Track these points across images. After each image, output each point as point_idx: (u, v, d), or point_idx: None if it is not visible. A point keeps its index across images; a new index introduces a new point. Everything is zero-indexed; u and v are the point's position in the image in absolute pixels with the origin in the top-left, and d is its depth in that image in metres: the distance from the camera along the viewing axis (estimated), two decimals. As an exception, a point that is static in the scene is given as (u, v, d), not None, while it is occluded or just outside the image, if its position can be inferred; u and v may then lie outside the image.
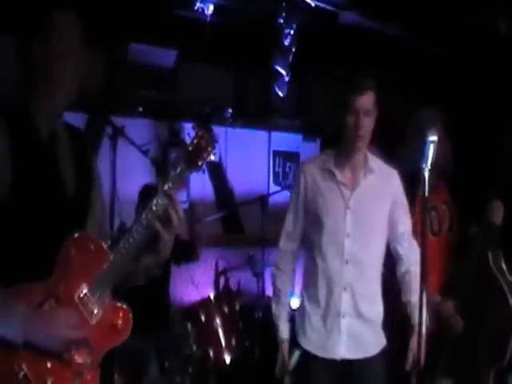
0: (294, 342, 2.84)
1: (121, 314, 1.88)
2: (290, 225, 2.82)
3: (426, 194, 2.50)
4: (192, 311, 3.83)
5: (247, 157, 5.13)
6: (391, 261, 3.43)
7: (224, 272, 4.26)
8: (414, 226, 3.36)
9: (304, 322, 2.77)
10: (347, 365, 2.70)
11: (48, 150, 1.88)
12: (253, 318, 4.06)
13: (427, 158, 2.42)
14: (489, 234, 3.16)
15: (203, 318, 3.78)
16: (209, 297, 3.87)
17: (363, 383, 2.73)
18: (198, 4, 4.22)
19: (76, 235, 1.86)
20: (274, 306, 2.84)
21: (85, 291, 1.83)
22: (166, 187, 1.83)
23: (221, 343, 3.74)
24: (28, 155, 1.82)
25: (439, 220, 3.46)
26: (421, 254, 3.33)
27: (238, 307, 3.92)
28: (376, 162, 2.81)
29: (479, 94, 4.93)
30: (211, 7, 4.28)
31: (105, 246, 1.89)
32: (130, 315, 1.88)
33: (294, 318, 2.86)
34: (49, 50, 1.82)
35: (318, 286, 2.73)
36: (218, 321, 3.77)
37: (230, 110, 4.54)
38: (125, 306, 1.89)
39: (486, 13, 4.26)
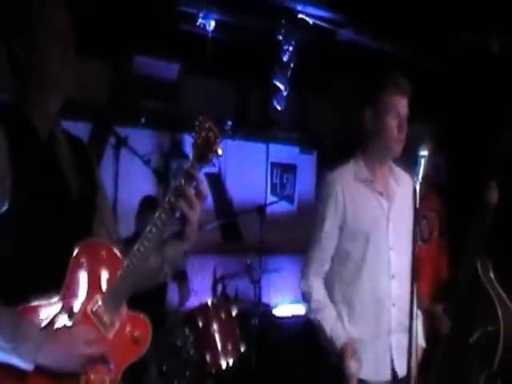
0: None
1: (139, 325, 1.75)
2: (325, 245, 2.53)
3: (417, 206, 2.45)
4: (190, 317, 3.87)
5: (246, 168, 5.23)
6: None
7: (222, 279, 4.32)
8: None
9: None
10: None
11: (48, 151, 1.77)
12: (249, 325, 4.13)
13: (418, 172, 2.35)
14: (484, 213, 3.21)
15: (201, 324, 3.82)
16: (206, 303, 3.93)
17: None
18: (200, 20, 4.33)
19: (85, 241, 1.71)
20: (326, 330, 2.50)
21: (99, 303, 1.70)
22: (188, 167, 1.74)
23: (217, 348, 3.78)
24: (28, 156, 1.71)
25: (429, 228, 3.53)
26: (411, 261, 3.41)
27: (234, 313, 3.98)
28: (397, 168, 2.65)
29: (471, 110, 5.04)
30: (213, 23, 4.40)
31: (117, 251, 1.76)
32: (150, 325, 1.76)
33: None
34: (32, 47, 1.72)
35: (366, 305, 2.51)
36: (215, 326, 3.80)
37: (230, 123, 4.63)
38: (143, 316, 1.77)
39: (479, 32, 4.36)
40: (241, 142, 5.02)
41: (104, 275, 1.72)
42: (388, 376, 2.50)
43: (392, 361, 2.51)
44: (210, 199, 4.94)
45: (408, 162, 3.08)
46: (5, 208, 1.64)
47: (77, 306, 1.67)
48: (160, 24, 4.19)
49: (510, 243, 4.22)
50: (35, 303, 1.63)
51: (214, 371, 3.78)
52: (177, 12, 4.26)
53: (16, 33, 1.73)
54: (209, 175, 4.81)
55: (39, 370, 1.59)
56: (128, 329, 1.73)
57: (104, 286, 1.71)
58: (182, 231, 1.80)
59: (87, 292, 1.69)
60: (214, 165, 1.82)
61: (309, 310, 2.57)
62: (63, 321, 1.65)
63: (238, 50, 4.65)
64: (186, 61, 4.50)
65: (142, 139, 4.49)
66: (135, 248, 1.72)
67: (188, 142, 4.24)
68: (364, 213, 2.52)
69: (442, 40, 4.69)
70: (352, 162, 2.61)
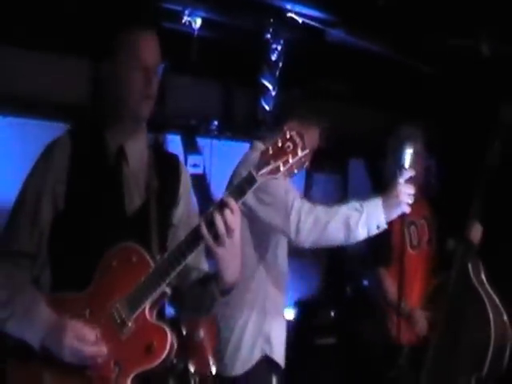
0: None
1: (157, 335, 1.75)
2: None
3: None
4: (174, 323, 3.82)
5: (232, 168, 5.15)
6: (375, 274, 3.49)
7: (207, 285, 4.28)
8: (394, 240, 3.43)
9: None
10: None
11: (113, 165, 1.88)
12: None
13: (404, 164, 2.52)
14: (466, 251, 3.22)
15: (184, 331, 3.79)
16: (191, 310, 3.87)
17: None
18: (185, 17, 4.26)
19: (120, 245, 1.79)
20: None
21: (117, 304, 1.76)
22: (226, 195, 1.69)
23: (203, 356, 3.74)
24: (89, 168, 1.85)
25: (419, 234, 3.55)
26: (399, 267, 3.42)
27: (219, 321, 3.92)
28: None
29: (461, 112, 5.04)
30: (199, 21, 4.33)
31: (150, 258, 1.78)
32: (169, 338, 1.75)
33: None
34: (114, 70, 1.84)
35: None
36: (199, 334, 3.77)
37: (216, 123, 4.57)
38: (164, 327, 1.77)
39: (469, 35, 4.36)
40: (227, 141, 4.95)
41: (130, 279, 1.76)
42: None
43: None
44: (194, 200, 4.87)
45: (397, 161, 3.11)
46: (59, 209, 1.81)
47: (98, 304, 1.76)
48: (144, 21, 4.10)
49: (502, 245, 4.23)
50: (68, 295, 1.79)
51: (197, 380, 3.73)
52: (161, 9, 4.18)
53: (105, 52, 1.88)
54: (193, 176, 4.73)
55: (46, 352, 1.71)
56: (144, 336, 1.74)
57: (127, 290, 1.76)
58: (217, 268, 1.76)
59: (110, 293, 1.77)
60: (290, 175, 1.73)
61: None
62: (85, 315, 1.76)
63: (225, 49, 4.60)
64: (170, 59, 4.41)
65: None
66: (164, 257, 1.74)
67: (171, 142, 4.13)
68: None
69: (432, 42, 4.68)
70: None
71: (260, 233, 2.65)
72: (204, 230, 1.67)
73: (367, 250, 3.66)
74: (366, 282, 4.90)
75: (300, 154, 1.62)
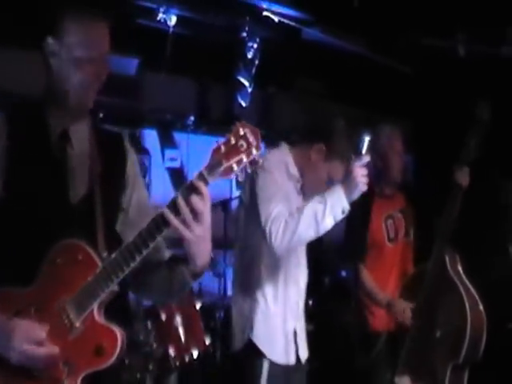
0: None
1: (106, 336, 1.66)
2: None
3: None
4: (153, 310, 3.86)
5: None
6: (354, 266, 3.54)
7: (185, 273, 4.33)
8: (371, 233, 3.49)
9: None
10: None
11: (56, 150, 1.77)
12: (214, 318, 4.12)
13: (361, 150, 2.58)
14: (454, 194, 3.24)
15: (164, 317, 3.81)
16: (169, 296, 3.92)
17: None
18: (160, 15, 4.35)
19: (64, 242, 1.69)
20: None
21: (64, 303, 1.67)
22: (194, 179, 1.57)
23: (181, 341, 3.76)
24: (29, 153, 1.73)
25: (395, 227, 3.59)
26: (378, 260, 3.49)
27: (198, 307, 3.97)
28: None
29: (438, 110, 5.11)
30: (174, 18, 4.41)
31: (96, 257, 1.68)
32: (119, 339, 1.66)
33: None
34: (60, 57, 1.73)
35: (285, 289, 2.80)
36: (178, 319, 3.79)
37: (192, 118, 4.63)
38: (114, 328, 1.68)
39: (446, 36, 4.42)
40: (203, 136, 5.01)
41: (76, 278, 1.67)
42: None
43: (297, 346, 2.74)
44: (172, 194, 4.93)
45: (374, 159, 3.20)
46: None
47: (44, 302, 1.67)
48: (119, 18, 4.18)
49: (481, 241, 4.31)
50: (6, 290, 1.68)
51: (177, 364, 3.76)
52: (136, 6, 4.27)
53: (53, 34, 1.73)
54: (170, 170, 4.81)
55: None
56: (92, 336, 1.65)
57: (74, 289, 1.67)
58: (187, 254, 1.66)
59: (56, 291, 1.68)
60: (236, 177, 1.58)
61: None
62: (30, 313, 1.66)
63: (202, 46, 4.66)
64: (145, 56, 4.50)
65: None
66: (112, 256, 1.65)
67: (147, 137, 4.20)
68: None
69: (407, 41, 4.75)
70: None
71: (254, 221, 2.67)
72: (170, 216, 1.57)
73: (343, 243, 3.67)
74: (343, 273, 4.95)
75: (254, 153, 1.53)
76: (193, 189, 1.56)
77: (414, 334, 3.24)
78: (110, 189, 1.81)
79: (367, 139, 2.59)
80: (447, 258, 3.26)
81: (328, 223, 2.49)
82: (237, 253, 2.82)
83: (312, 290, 5.08)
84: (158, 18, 4.33)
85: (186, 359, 3.78)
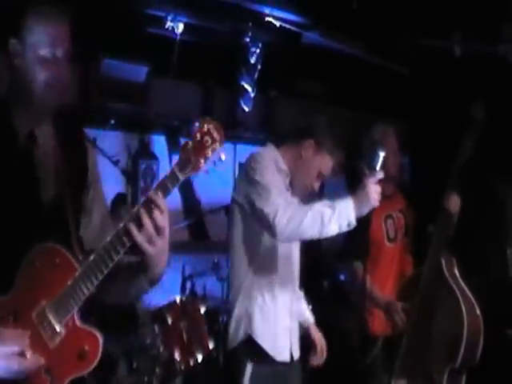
0: None
1: (88, 339, 1.62)
2: None
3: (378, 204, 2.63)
4: (159, 314, 3.92)
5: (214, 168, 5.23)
6: (350, 268, 3.59)
7: (190, 277, 4.37)
8: (371, 233, 3.54)
9: None
10: None
11: (24, 151, 1.72)
12: (217, 322, 4.18)
13: (375, 166, 2.58)
14: (445, 223, 3.26)
15: (170, 321, 3.86)
16: (175, 301, 3.98)
17: None
18: (168, 23, 4.38)
19: (41, 246, 1.63)
20: None
21: (44, 309, 1.61)
22: (151, 193, 1.57)
23: (186, 345, 3.84)
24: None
25: (395, 228, 3.57)
26: (377, 260, 3.51)
27: (203, 311, 4.04)
28: None
29: (434, 111, 5.13)
30: (181, 26, 4.45)
31: (74, 260, 1.64)
32: (100, 341, 1.62)
33: None
34: (21, 55, 1.68)
35: (279, 287, 2.87)
36: (183, 324, 3.84)
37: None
38: (94, 331, 1.63)
39: (442, 36, 4.45)
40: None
41: (55, 282, 1.62)
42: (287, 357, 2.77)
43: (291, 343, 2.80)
44: (178, 199, 4.99)
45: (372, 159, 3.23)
46: None
47: (22, 309, 1.61)
48: (129, 27, 4.23)
49: (477, 243, 4.36)
50: None
51: (182, 368, 3.83)
52: (145, 15, 4.31)
53: (15, 33, 1.68)
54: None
55: None
56: (74, 341, 1.61)
57: (53, 293, 1.61)
58: (143, 262, 1.65)
59: (35, 297, 1.61)
60: (205, 172, 1.61)
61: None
62: (8, 321, 1.60)
63: (206, 52, 4.70)
64: (154, 63, 4.55)
65: (111, 140, 4.50)
66: (90, 259, 1.61)
67: (156, 142, 4.29)
68: None
69: (405, 43, 4.80)
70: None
71: (251, 220, 2.73)
72: (134, 232, 1.56)
73: (343, 245, 3.64)
74: (341, 276, 4.97)
75: (219, 148, 1.57)
76: (153, 202, 1.56)
77: (411, 337, 3.23)
78: (76, 189, 1.78)
79: (382, 154, 2.55)
80: (444, 262, 3.23)
81: (332, 229, 2.51)
82: (233, 252, 2.84)
83: (311, 293, 5.17)
84: (167, 26, 4.36)
85: (191, 363, 3.86)
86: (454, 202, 3.23)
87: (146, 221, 1.56)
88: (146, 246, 1.59)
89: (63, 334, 1.61)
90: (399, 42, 4.82)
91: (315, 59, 5.15)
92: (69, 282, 1.60)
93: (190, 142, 1.57)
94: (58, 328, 1.60)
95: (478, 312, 3.18)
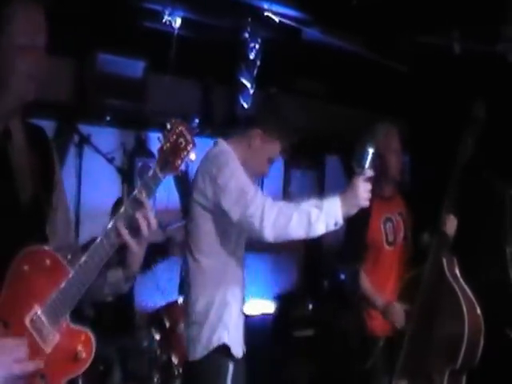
0: None
1: (81, 339, 1.62)
2: None
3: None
4: (156, 316, 3.88)
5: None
6: (351, 268, 3.55)
7: (188, 278, 4.33)
8: (370, 236, 3.50)
9: None
10: None
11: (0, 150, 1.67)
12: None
13: (364, 164, 2.48)
14: (441, 243, 3.28)
15: (168, 324, 3.83)
16: (173, 302, 3.93)
17: None
18: (166, 17, 4.31)
19: (29, 249, 1.60)
20: None
21: (38, 314, 1.58)
22: (136, 193, 1.63)
23: (184, 349, 3.79)
24: None
25: (395, 230, 3.56)
26: (376, 263, 3.49)
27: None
28: None
29: (434, 110, 5.12)
30: (179, 20, 4.38)
31: (64, 261, 1.63)
32: (93, 340, 1.63)
33: None
34: (5, 45, 1.62)
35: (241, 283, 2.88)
36: (181, 327, 3.82)
37: (197, 121, 4.61)
38: (86, 330, 1.64)
39: (442, 34, 4.40)
40: (207, 139, 4.98)
41: (46, 285, 1.59)
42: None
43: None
44: (175, 198, 4.92)
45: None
46: None
47: (14, 316, 1.57)
48: (125, 21, 4.15)
49: (477, 243, 4.32)
50: None
51: (180, 371, 3.78)
52: (142, 9, 4.23)
53: None
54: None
55: None
56: (69, 343, 1.61)
57: (45, 297, 1.59)
58: (124, 260, 1.70)
59: (26, 302, 1.58)
60: (180, 172, 1.67)
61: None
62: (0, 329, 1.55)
63: (204, 48, 4.63)
64: (151, 58, 4.47)
65: (106, 137, 4.44)
66: (82, 260, 1.61)
67: (153, 140, 4.19)
68: None
69: (405, 40, 4.76)
70: None
71: (222, 225, 2.70)
72: (122, 230, 1.62)
73: (343, 246, 3.62)
74: (342, 277, 4.95)
75: (189, 149, 1.64)
76: (138, 202, 1.62)
77: (412, 338, 3.23)
78: (48, 188, 1.76)
79: (371, 151, 2.49)
80: (445, 261, 3.23)
81: (320, 229, 2.47)
82: (199, 254, 2.75)
83: (312, 294, 5.14)
84: (164, 21, 4.28)
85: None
86: (451, 224, 3.25)
87: (140, 217, 1.62)
88: (132, 244, 1.64)
89: (58, 338, 1.60)
90: (399, 39, 4.79)
91: (315, 55, 5.08)
92: (62, 285, 1.59)
93: (168, 144, 1.64)
94: (53, 332, 1.59)
95: (479, 312, 3.18)
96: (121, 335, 3.75)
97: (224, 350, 2.69)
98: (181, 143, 1.63)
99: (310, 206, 2.47)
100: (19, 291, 1.59)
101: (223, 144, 2.84)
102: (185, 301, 2.89)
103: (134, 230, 1.64)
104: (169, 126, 1.66)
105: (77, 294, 1.61)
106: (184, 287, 2.92)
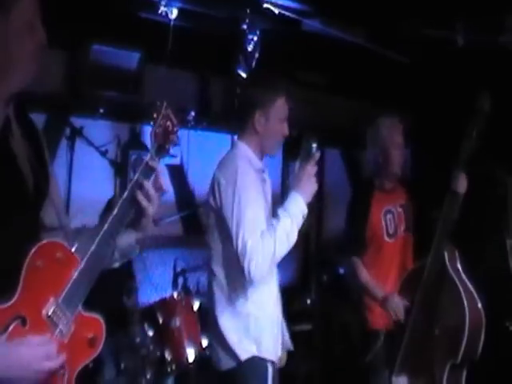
0: None
1: (93, 326, 1.67)
2: None
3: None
4: (150, 311, 3.84)
5: (209, 159, 5.14)
6: (349, 262, 3.53)
7: (183, 272, 4.25)
8: (370, 228, 3.48)
9: None
10: None
11: (3, 143, 1.66)
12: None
13: (305, 157, 2.66)
14: (450, 209, 3.22)
15: (161, 319, 3.79)
16: (167, 297, 3.89)
17: None
18: (162, 8, 4.24)
19: (39, 246, 1.59)
20: None
21: (54, 307, 1.59)
22: (148, 159, 1.73)
23: (178, 344, 3.75)
24: None
25: (395, 222, 3.57)
26: (377, 255, 3.47)
27: (196, 307, 3.95)
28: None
29: (437, 102, 5.09)
30: (175, 11, 4.31)
31: (73, 250, 1.64)
32: (103, 325, 1.68)
33: None
34: (6, 26, 1.62)
35: (272, 287, 2.80)
36: (175, 321, 3.79)
37: (193, 113, 4.56)
38: (96, 316, 1.69)
39: (445, 25, 4.37)
40: (204, 132, 4.94)
41: (59, 277, 1.62)
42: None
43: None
44: (171, 191, 4.88)
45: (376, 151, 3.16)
46: None
47: (31, 311, 1.56)
48: (120, 11, 4.09)
49: (477, 234, 4.29)
50: None
51: (174, 367, 3.75)
52: (138, -1, 4.17)
53: None
54: (170, 167, 4.74)
55: None
56: (83, 331, 1.66)
57: (60, 289, 1.61)
58: (138, 222, 1.78)
59: (42, 296, 1.59)
60: (172, 155, 1.81)
61: None
62: (17, 327, 1.52)
63: (201, 39, 4.58)
64: (146, 49, 4.42)
65: (99, 130, 4.39)
66: (92, 249, 1.65)
67: (148, 132, 4.12)
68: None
69: (407, 32, 4.71)
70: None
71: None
72: (141, 197, 1.72)
73: (344, 239, 3.66)
74: (341, 270, 4.96)
75: (176, 130, 1.76)
76: (151, 168, 1.73)
77: (412, 332, 3.23)
78: (43, 176, 1.76)
79: (314, 146, 2.63)
80: (446, 255, 3.24)
81: (295, 233, 2.57)
82: (226, 261, 2.70)
83: (311, 288, 5.11)
84: (160, 11, 4.21)
85: (183, 361, 3.76)
86: (462, 183, 3.22)
87: (147, 184, 1.72)
88: (148, 207, 1.73)
89: (74, 327, 1.63)
90: (401, 30, 4.73)
91: (315, 47, 5.02)
92: (74, 274, 1.62)
93: (158, 128, 1.74)
94: (69, 322, 1.61)
95: (480, 306, 3.19)
96: (113, 331, 3.70)
97: (255, 358, 2.64)
98: (169, 126, 1.75)
99: (282, 222, 2.53)
100: (35, 286, 1.58)
101: (238, 146, 2.80)
102: (209, 312, 2.83)
103: (146, 194, 1.72)
104: (155, 111, 1.75)
105: (89, 281, 1.64)
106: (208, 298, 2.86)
